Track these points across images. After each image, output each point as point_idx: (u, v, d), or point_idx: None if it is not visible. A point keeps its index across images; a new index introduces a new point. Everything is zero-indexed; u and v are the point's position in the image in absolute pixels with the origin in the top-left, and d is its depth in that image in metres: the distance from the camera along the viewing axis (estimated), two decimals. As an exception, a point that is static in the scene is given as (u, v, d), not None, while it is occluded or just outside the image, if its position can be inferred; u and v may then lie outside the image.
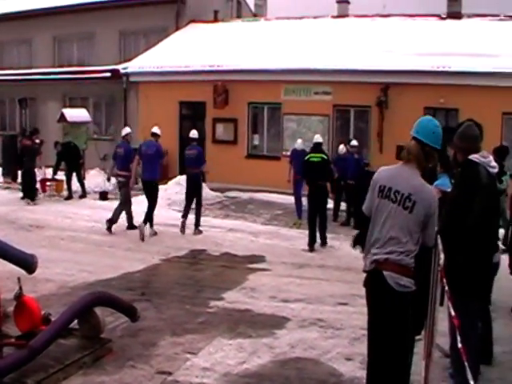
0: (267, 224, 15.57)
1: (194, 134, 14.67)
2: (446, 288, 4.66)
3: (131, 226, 14.26)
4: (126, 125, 22.75)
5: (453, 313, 4.28)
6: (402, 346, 4.73)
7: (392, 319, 4.65)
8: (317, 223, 13.13)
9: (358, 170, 15.64)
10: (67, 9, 26.60)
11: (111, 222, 13.96)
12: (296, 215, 15.75)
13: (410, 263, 4.66)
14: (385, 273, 4.64)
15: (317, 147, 13.54)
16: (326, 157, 13.39)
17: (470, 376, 3.38)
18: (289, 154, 17.22)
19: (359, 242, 5.11)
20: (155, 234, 13.78)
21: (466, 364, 3.52)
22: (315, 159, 13.18)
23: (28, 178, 18.07)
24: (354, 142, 16.12)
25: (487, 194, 5.71)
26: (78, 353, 6.34)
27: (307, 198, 13.51)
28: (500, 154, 8.78)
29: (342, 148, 16.15)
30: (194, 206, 14.36)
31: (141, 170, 14.18)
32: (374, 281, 4.73)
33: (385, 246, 4.68)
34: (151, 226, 13.81)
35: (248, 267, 11.23)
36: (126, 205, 14.31)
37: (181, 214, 14.62)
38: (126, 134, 14.64)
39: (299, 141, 16.21)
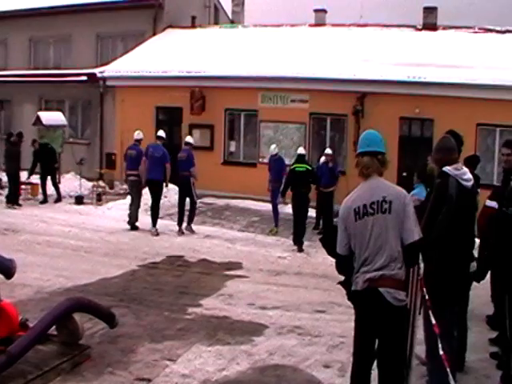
0: (244, 231, 15.63)
1: (189, 138, 15.84)
2: (427, 297, 4.75)
3: (133, 225, 15.17)
4: (102, 129, 22.81)
5: (433, 321, 4.35)
6: (401, 360, 4.80)
7: (393, 335, 4.66)
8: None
9: (332, 179, 15.69)
10: (44, 10, 26.23)
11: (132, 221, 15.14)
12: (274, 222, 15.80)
13: (403, 275, 4.73)
14: (381, 289, 4.62)
15: (301, 158, 14.55)
16: (309, 167, 14.48)
17: (452, 382, 3.45)
18: (266, 161, 17.29)
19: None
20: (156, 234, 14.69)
21: (448, 370, 3.60)
22: (300, 169, 14.19)
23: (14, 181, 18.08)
24: (328, 151, 16.12)
25: (455, 206, 5.82)
26: (56, 359, 6.33)
27: (291, 203, 14.39)
28: (471, 163, 8.91)
29: (323, 159, 16.18)
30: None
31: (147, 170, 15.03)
32: (370, 299, 4.68)
33: (375, 260, 4.67)
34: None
35: (225, 274, 11.28)
36: (135, 202, 15.40)
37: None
38: (140, 139, 15.79)
39: (272, 146, 16.24)
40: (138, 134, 15.90)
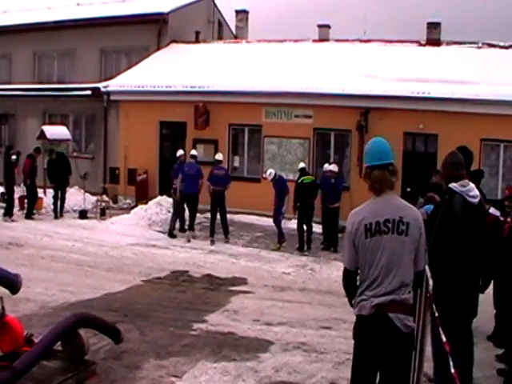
0: (248, 246, 15.58)
1: (219, 156, 16.94)
2: (436, 314, 4.70)
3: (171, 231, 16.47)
4: (106, 143, 22.85)
5: (444, 339, 4.31)
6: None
7: (399, 363, 4.42)
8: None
9: (335, 195, 15.59)
10: (48, 25, 26.41)
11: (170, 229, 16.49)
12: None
13: (411, 300, 4.51)
14: (391, 315, 4.35)
15: (305, 171, 15.80)
16: (314, 178, 15.93)
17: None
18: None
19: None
20: (193, 237, 16.09)
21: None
22: (308, 181, 15.45)
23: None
24: (334, 168, 15.92)
25: (460, 223, 5.80)
26: (61, 375, 6.27)
27: (297, 212, 15.39)
28: (474, 178, 8.91)
29: (326, 171, 16.08)
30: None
31: (183, 185, 16.45)
32: (377, 325, 4.39)
33: (384, 282, 4.40)
34: (192, 230, 16.37)
35: (230, 289, 11.24)
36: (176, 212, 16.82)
37: (161, 233, 16.06)
38: (180, 156, 17.27)
39: (268, 172, 16.03)
40: (178, 152, 17.54)
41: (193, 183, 16.18)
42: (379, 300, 4.37)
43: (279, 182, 15.68)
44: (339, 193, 15.75)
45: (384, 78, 19.17)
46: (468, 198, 6.02)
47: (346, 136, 19.51)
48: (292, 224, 16.69)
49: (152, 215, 17.42)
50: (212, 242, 15.61)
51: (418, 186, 14.66)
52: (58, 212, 18.64)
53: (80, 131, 24.65)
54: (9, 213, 17.74)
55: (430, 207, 8.06)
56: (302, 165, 16.03)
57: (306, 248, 15.04)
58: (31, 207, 18.35)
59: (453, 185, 6.05)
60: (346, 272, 4.67)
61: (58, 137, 20.47)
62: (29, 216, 18.11)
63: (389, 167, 4.59)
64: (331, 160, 18.59)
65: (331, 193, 15.49)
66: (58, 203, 18.64)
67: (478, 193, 6.20)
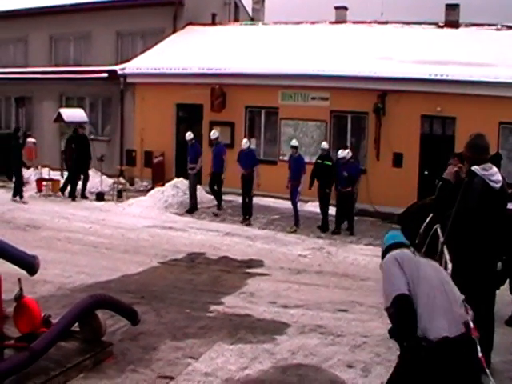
0: (264, 228, 15.53)
1: (246, 142, 16.96)
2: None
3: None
4: (122, 126, 22.89)
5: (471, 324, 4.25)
6: None
7: None
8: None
9: (348, 181, 15.44)
10: (64, 8, 26.32)
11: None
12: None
13: None
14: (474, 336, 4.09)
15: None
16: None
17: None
18: (286, 158, 17.32)
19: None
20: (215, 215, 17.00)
21: (488, 371, 3.54)
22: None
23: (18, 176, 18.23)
24: (341, 154, 15.62)
25: (477, 206, 5.75)
26: (78, 356, 6.34)
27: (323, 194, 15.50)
28: (493, 161, 8.83)
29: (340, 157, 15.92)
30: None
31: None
32: (464, 351, 4.06)
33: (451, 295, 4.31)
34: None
35: (246, 272, 11.25)
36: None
37: (177, 216, 15.98)
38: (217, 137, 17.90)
39: (293, 140, 16.31)
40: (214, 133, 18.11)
41: (220, 163, 17.36)
42: (466, 317, 4.19)
43: (298, 161, 15.63)
44: (352, 180, 15.45)
45: (401, 60, 18.97)
46: (490, 183, 5.95)
47: (363, 118, 19.37)
48: (308, 207, 16.68)
49: (168, 197, 17.45)
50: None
51: (436, 169, 14.54)
52: (80, 193, 18.74)
53: (96, 114, 24.65)
54: (18, 193, 17.79)
55: None
56: (326, 145, 16.11)
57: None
58: (74, 188, 18.68)
59: (475, 168, 5.99)
60: (398, 299, 4.13)
61: (74, 119, 20.47)
62: (73, 196, 18.50)
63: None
64: (348, 143, 18.53)
65: (344, 177, 15.33)
66: (79, 186, 18.73)
67: (500, 178, 6.13)
